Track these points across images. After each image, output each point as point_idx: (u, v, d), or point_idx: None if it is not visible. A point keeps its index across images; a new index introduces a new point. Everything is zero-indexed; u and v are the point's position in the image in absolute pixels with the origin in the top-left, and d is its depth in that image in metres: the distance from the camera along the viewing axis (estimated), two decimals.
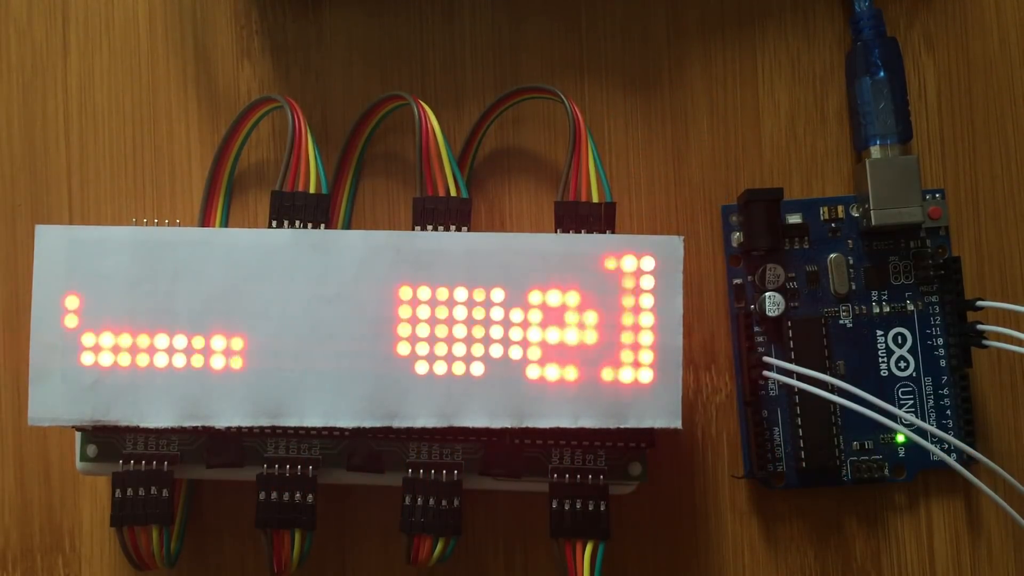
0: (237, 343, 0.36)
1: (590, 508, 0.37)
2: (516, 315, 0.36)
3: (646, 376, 0.36)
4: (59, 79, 0.43)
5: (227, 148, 0.40)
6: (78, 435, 0.38)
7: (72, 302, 0.36)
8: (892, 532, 0.41)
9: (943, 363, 0.41)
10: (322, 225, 0.37)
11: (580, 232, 0.37)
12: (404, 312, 0.36)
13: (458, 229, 0.37)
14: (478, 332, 0.36)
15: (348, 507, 0.41)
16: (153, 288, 0.36)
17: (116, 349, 0.36)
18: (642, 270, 0.36)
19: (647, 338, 0.36)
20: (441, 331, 0.36)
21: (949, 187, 0.42)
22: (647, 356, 0.36)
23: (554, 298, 0.36)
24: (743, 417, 0.41)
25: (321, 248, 0.36)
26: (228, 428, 0.36)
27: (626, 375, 0.36)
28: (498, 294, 0.36)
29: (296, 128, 0.38)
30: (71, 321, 0.36)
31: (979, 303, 0.40)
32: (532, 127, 0.42)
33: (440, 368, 0.36)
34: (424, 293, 0.36)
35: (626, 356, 0.36)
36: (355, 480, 0.38)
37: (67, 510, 0.41)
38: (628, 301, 0.36)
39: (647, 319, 0.36)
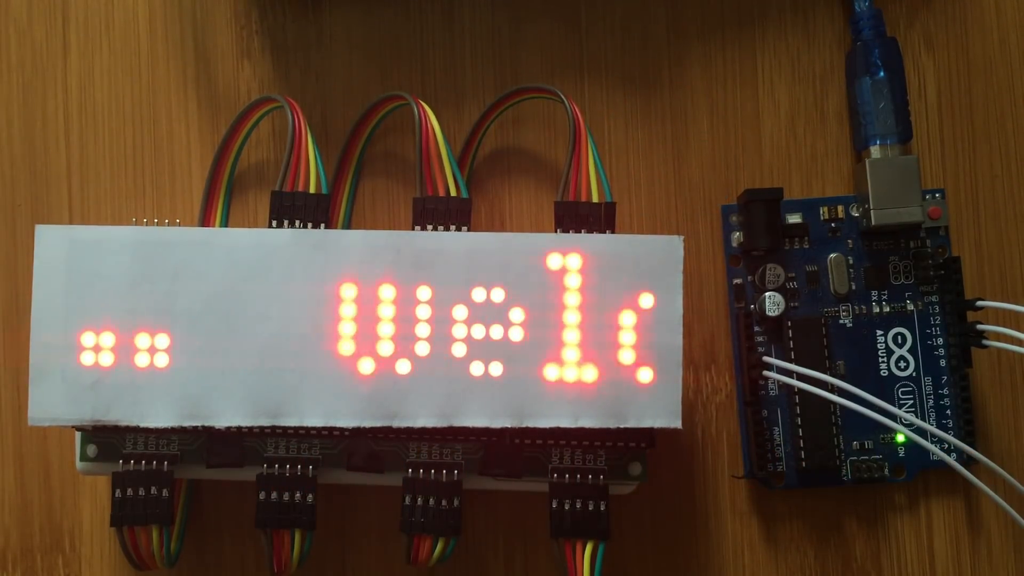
0: (237, 343, 0.36)
1: (590, 508, 0.37)
2: (516, 314, 0.36)
3: (646, 376, 0.36)
4: (59, 79, 0.43)
5: (227, 148, 0.40)
6: (78, 435, 0.38)
7: (73, 302, 0.36)
8: (892, 532, 0.41)
9: (943, 363, 0.41)
10: (322, 225, 0.38)
11: (580, 232, 0.37)
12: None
13: (458, 229, 0.37)
14: (478, 332, 0.36)
15: (348, 507, 0.41)
16: (153, 288, 0.36)
17: (116, 349, 0.36)
18: (641, 270, 0.36)
19: (647, 338, 0.36)
20: (441, 331, 0.36)
21: (949, 187, 0.42)
22: (647, 356, 0.36)
23: (554, 298, 0.36)
24: (743, 417, 0.41)
25: (321, 248, 0.36)
26: (228, 428, 0.36)
27: (626, 375, 0.36)
28: (498, 293, 0.36)
29: (296, 128, 0.38)
30: (71, 321, 0.36)
31: (979, 303, 0.40)
32: (532, 127, 0.42)
33: (440, 367, 0.36)
34: (424, 293, 0.36)
35: (626, 356, 0.36)
36: (355, 480, 0.38)
37: (67, 510, 0.41)
38: (628, 300, 0.36)
39: (647, 318, 0.36)
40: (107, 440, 0.38)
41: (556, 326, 0.36)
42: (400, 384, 0.36)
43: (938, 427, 0.40)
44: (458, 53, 0.43)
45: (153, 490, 0.37)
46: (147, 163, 0.42)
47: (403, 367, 0.36)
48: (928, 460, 0.40)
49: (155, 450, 0.38)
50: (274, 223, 0.37)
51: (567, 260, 0.36)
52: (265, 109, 0.40)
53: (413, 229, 0.37)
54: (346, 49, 0.43)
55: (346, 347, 0.36)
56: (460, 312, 0.36)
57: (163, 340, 0.36)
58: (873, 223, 0.40)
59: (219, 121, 0.42)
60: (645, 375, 0.36)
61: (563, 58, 0.43)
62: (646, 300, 0.36)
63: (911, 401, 0.41)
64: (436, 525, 0.37)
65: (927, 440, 0.39)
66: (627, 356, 0.36)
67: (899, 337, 0.41)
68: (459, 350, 0.36)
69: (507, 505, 0.41)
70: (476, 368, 0.36)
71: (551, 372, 0.36)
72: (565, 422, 0.36)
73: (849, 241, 0.41)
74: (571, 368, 0.36)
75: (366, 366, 0.36)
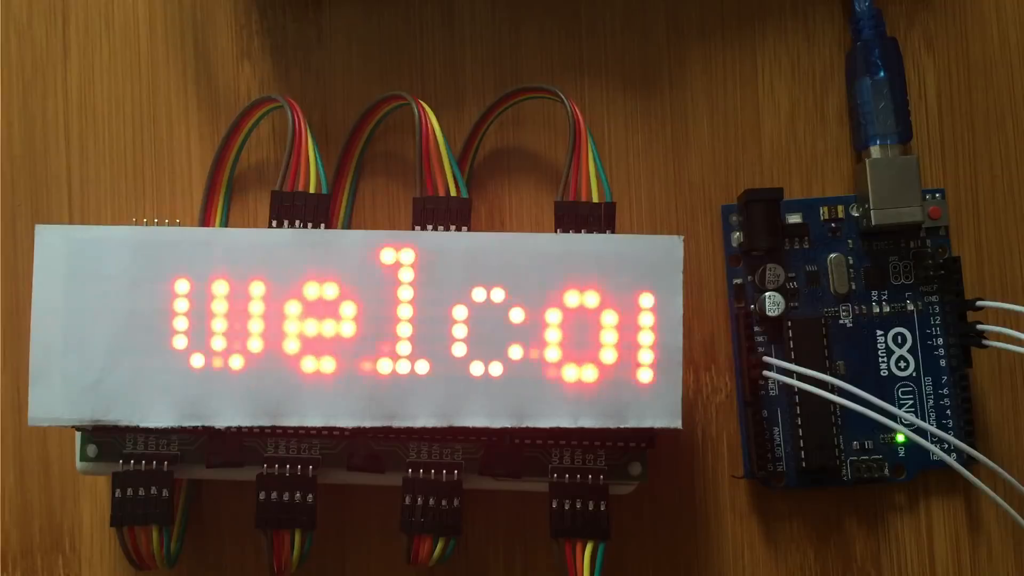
0: (237, 343, 0.36)
1: (590, 508, 0.37)
2: (516, 315, 0.36)
3: (646, 376, 0.36)
4: (59, 79, 0.43)
5: (227, 148, 0.40)
6: (78, 435, 0.38)
7: (73, 302, 0.36)
8: (892, 532, 0.41)
9: (943, 363, 0.41)
10: (322, 225, 0.38)
11: (580, 232, 0.37)
12: (405, 312, 0.36)
13: (458, 229, 0.37)
14: (478, 332, 0.36)
15: (348, 507, 0.41)
16: (153, 288, 0.36)
17: (117, 349, 0.36)
18: (641, 270, 0.36)
19: (647, 338, 0.36)
20: (441, 330, 0.36)
21: (949, 187, 0.42)
22: (647, 356, 0.36)
23: (554, 298, 0.36)
24: (743, 417, 0.41)
25: (321, 248, 0.36)
26: (228, 428, 0.36)
27: (626, 375, 0.36)
28: (498, 294, 0.36)
29: (296, 128, 0.38)
30: (71, 321, 0.36)
31: (979, 303, 0.40)
32: (532, 127, 0.42)
33: (440, 368, 0.36)
34: (424, 293, 0.36)
35: (626, 356, 0.36)
36: (355, 480, 0.38)
37: (67, 510, 0.41)
38: (630, 301, 0.36)
39: (647, 319, 0.36)
40: (107, 440, 0.38)
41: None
42: (401, 384, 0.36)
43: (938, 427, 0.40)
44: (458, 53, 0.43)
45: (153, 490, 0.37)
46: (147, 163, 0.42)
47: (407, 367, 0.36)
48: (928, 460, 0.40)
49: (155, 450, 0.38)
50: (274, 223, 0.37)
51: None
52: (265, 109, 0.40)
53: (413, 229, 0.38)
54: (346, 49, 0.43)
55: (348, 347, 0.36)
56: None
57: (163, 340, 0.36)
58: (873, 223, 0.40)
59: (219, 121, 0.42)
60: (645, 375, 0.36)
61: (563, 58, 0.43)
62: (646, 300, 0.36)
63: (911, 401, 0.41)
64: (436, 525, 0.37)
65: (927, 440, 0.39)
66: (627, 356, 0.36)
67: (899, 337, 0.41)
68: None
69: (507, 505, 0.41)
70: (476, 368, 0.36)
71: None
72: (565, 422, 0.36)
73: (849, 241, 0.41)
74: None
75: (367, 367, 0.36)
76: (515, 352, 0.36)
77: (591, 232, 0.37)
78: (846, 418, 0.40)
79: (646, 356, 0.36)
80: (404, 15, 0.43)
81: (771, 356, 0.40)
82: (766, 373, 0.40)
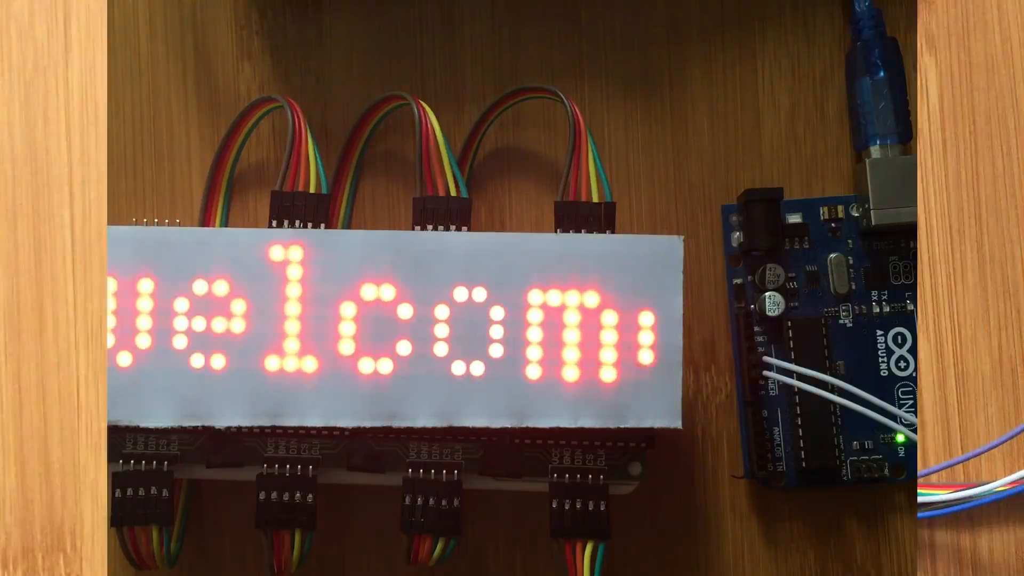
0: (237, 343, 0.36)
1: (590, 508, 0.37)
2: (516, 315, 0.36)
3: (646, 376, 0.36)
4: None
5: (227, 148, 0.40)
6: None
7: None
8: (892, 532, 0.41)
9: None
10: (322, 225, 0.38)
11: (580, 232, 0.37)
12: (404, 312, 0.36)
13: (458, 229, 0.37)
14: (478, 332, 0.36)
15: (348, 507, 0.41)
16: (153, 288, 0.36)
17: (116, 349, 0.36)
18: (642, 270, 0.36)
19: (647, 338, 0.36)
20: (440, 331, 0.36)
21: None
22: (647, 356, 0.36)
23: (554, 297, 0.36)
24: (743, 417, 0.41)
25: (321, 248, 0.36)
26: (228, 428, 0.36)
27: (626, 375, 0.36)
28: (498, 294, 0.36)
29: (296, 128, 0.38)
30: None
31: None
32: (532, 127, 0.42)
33: (439, 368, 0.36)
34: (424, 293, 0.36)
35: (626, 356, 0.36)
36: (355, 480, 0.38)
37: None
38: (630, 301, 0.36)
39: (647, 318, 0.36)
40: (107, 440, 0.38)
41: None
42: (401, 384, 0.36)
43: None
44: (458, 53, 0.43)
45: (153, 490, 0.37)
46: (147, 163, 0.42)
47: (406, 367, 0.36)
48: None
49: (155, 450, 0.38)
50: (274, 223, 0.37)
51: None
52: (265, 109, 0.40)
53: (413, 229, 0.38)
54: (346, 49, 0.43)
55: (348, 348, 0.36)
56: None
57: (163, 340, 0.36)
58: (873, 223, 0.40)
59: (219, 121, 0.42)
60: (645, 375, 0.36)
61: (563, 59, 0.43)
62: (646, 300, 0.36)
63: (911, 401, 0.41)
64: (436, 525, 0.37)
65: None
66: (627, 356, 0.36)
67: (899, 337, 0.41)
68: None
69: (507, 505, 0.41)
70: (476, 368, 0.36)
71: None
72: (565, 422, 0.36)
73: (849, 241, 0.41)
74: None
75: (366, 367, 0.36)
76: (514, 352, 0.36)
77: (591, 232, 0.37)
78: (846, 418, 0.40)
79: (646, 356, 0.36)
80: (404, 15, 0.43)
81: (771, 356, 0.40)
82: (766, 373, 0.40)
